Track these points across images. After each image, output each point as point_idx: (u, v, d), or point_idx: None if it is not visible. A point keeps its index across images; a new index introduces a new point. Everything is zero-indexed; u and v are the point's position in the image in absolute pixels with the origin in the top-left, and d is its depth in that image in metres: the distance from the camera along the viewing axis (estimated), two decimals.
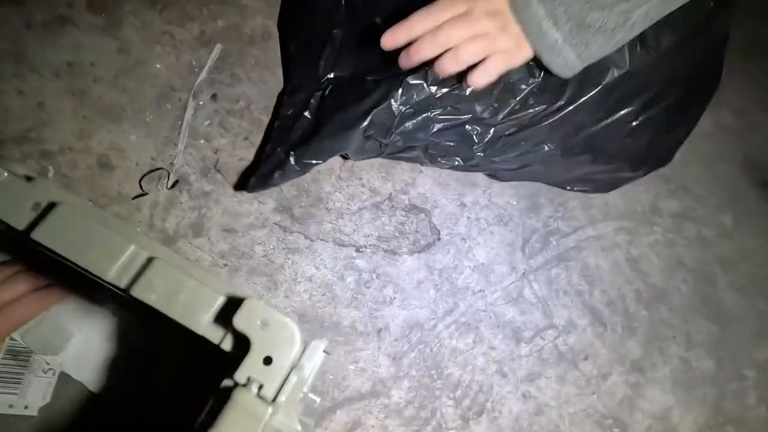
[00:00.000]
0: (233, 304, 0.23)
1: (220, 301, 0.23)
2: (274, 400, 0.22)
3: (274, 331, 0.22)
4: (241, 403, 0.22)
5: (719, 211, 0.74)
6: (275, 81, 0.64)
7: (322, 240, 0.57)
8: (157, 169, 0.56)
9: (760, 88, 0.87)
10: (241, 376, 0.22)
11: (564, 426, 0.56)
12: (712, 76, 0.59)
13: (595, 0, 0.37)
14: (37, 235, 0.21)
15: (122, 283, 0.23)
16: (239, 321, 0.22)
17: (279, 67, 0.64)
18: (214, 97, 0.61)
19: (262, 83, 0.63)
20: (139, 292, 0.22)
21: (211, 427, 0.21)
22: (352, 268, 0.57)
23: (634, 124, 0.54)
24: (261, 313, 0.22)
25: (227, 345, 0.24)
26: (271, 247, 0.56)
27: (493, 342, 0.58)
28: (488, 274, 0.61)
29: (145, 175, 0.55)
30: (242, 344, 0.23)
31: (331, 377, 0.53)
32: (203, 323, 0.23)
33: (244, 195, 0.57)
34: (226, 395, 0.22)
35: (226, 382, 0.23)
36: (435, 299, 0.58)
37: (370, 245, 0.59)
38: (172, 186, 0.55)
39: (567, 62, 0.41)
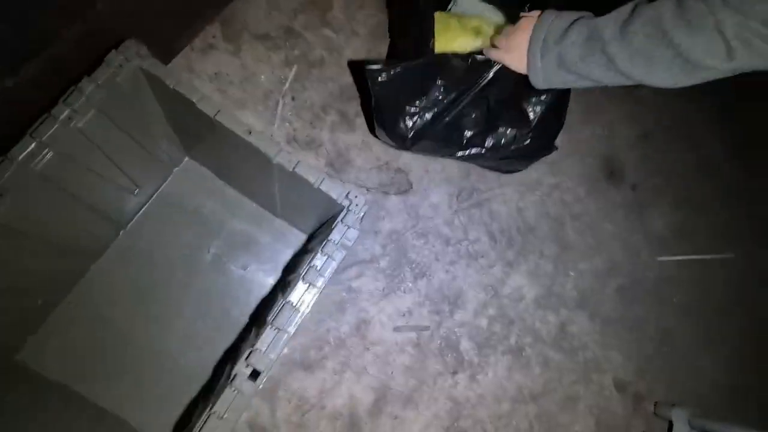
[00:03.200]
0: None
1: None
2: None
3: None
4: None
5: (578, 186, 1.26)
6: (327, 91, 1.11)
7: (350, 183, 1.07)
8: None
9: (626, 106, 1.36)
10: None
11: (465, 287, 1.10)
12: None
13: (573, 65, 0.64)
14: None
15: None
16: None
17: (330, 81, 1.11)
18: (293, 98, 1.08)
19: (320, 93, 1.11)
20: None
21: None
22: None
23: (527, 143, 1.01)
24: None
25: None
26: None
27: (434, 243, 1.10)
28: (437, 209, 1.12)
29: None
30: None
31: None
32: None
33: (309, 155, 1.06)
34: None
35: None
36: (406, 220, 1.10)
37: (374, 188, 1.09)
38: None
39: (536, 83, 0.73)
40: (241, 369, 0.58)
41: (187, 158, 0.98)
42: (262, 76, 1.08)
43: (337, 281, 1.02)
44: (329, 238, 0.66)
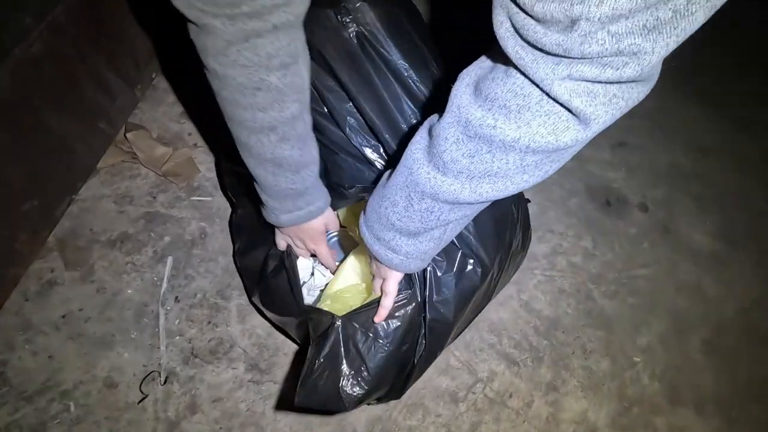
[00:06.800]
0: None
1: None
2: None
3: None
4: None
5: (580, 239, 0.96)
6: (219, 268, 0.83)
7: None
8: (150, 372, 0.73)
9: None
10: None
11: None
12: None
13: (420, 235, 0.46)
14: None
15: None
16: None
17: (220, 255, 0.84)
18: (177, 299, 0.80)
19: (210, 273, 0.83)
20: None
21: None
22: None
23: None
24: None
25: None
26: (251, 400, 0.73)
27: (438, 410, 0.75)
28: None
29: (142, 381, 0.72)
30: None
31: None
32: None
33: (220, 367, 0.75)
34: None
35: None
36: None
37: None
38: (165, 382, 0.73)
39: (417, 268, 0.51)
40: None
41: None
42: (129, 290, 0.80)
43: None
44: None
